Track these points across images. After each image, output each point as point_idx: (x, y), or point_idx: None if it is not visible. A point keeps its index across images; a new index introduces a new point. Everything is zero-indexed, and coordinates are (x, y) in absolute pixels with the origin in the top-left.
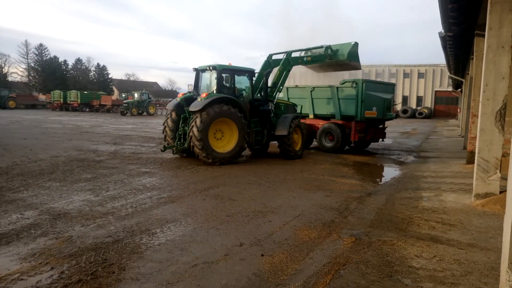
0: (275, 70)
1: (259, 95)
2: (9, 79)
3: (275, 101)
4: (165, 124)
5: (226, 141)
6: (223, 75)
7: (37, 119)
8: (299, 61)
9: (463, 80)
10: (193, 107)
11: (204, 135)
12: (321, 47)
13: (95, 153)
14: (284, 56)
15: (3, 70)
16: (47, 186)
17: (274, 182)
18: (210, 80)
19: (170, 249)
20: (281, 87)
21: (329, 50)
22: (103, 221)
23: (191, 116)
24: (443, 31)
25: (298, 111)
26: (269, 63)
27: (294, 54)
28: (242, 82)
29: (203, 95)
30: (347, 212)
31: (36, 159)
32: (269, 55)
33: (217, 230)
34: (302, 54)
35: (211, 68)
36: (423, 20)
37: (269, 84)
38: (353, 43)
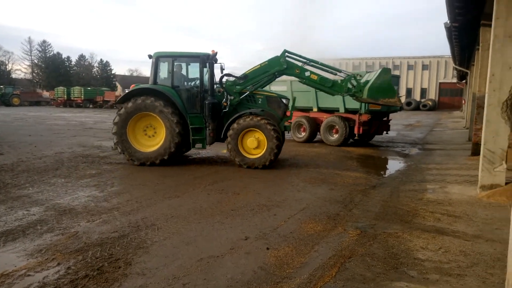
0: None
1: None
2: (13, 76)
3: (245, 94)
4: None
5: (158, 139)
6: (161, 63)
7: (41, 115)
8: (296, 71)
9: (468, 71)
10: None
11: (120, 130)
12: (339, 70)
13: (99, 149)
14: (285, 57)
15: (7, 67)
16: (52, 183)
17: (278, 176)
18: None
19: (175, 243)
20: (252, 82)
21: (351, 81)
22: (108, 216)
23: None
24: (448, 21)
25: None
26: (280, 63)
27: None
28: (196, 71)
29: (132, 86)
30: (352, 205)
31: (41, 155)
32: (284, 51)
33: (222, 224)
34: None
35: (149, 56)
36: (427, 12)
37: (239, 75)
38: (379, 70)
